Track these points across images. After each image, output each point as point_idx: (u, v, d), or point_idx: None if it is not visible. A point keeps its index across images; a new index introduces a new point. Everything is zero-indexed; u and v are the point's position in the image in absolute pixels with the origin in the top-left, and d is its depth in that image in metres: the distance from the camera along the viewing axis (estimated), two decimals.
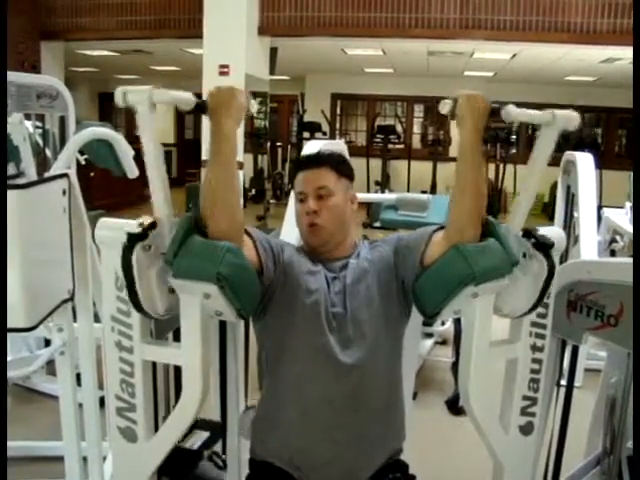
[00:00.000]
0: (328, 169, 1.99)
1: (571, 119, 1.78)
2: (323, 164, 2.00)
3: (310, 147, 2.95)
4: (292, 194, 2.13)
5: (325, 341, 1.85)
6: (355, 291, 1.91)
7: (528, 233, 1.83)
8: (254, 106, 1.92)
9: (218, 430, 2.16)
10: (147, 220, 1.67)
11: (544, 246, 1.79)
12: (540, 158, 1.80)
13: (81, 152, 3.29)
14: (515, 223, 1.85)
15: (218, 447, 2.20)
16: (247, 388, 2.27)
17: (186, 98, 1.73)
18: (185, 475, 2.04)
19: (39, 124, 4.11)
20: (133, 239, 1.63)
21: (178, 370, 1.82)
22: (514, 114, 1.76)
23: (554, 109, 1.76)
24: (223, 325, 2.09)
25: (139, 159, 3.01)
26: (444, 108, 1.79)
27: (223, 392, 2.17)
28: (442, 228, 1.85)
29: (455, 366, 3.97)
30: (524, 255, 1.83)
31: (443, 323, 4.69)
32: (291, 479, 1.88)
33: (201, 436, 2.14)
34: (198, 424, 2.16)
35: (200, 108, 1.75)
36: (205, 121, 3.72)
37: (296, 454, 1.88)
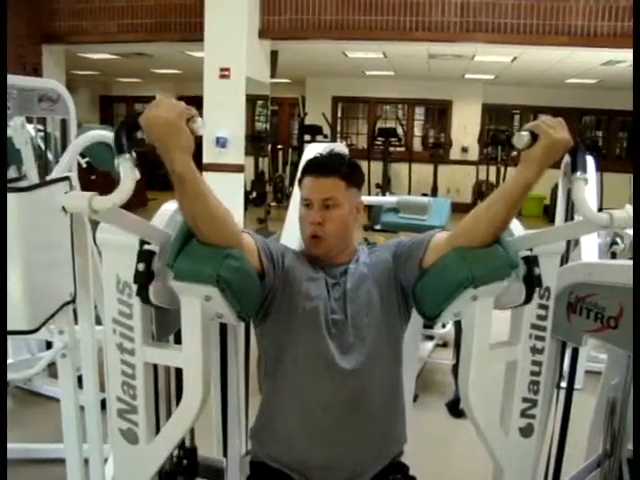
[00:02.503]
0: (338, 179, 1.95)
1: (627, 220, 1.58)
2: (333, 173, 1.95)
3: (311, 151, 2.94)
4: (295, 193, 2.12)
5: (325, 347, 1.85)
6: (355, 297, 1.91)
7: (527, 261, 1.81)
8: (202, 126, 1.55)
9: (220, 476, 2.16)
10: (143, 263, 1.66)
11: (531, 283, 1.81)
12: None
13: (82, 155, 3.30)
14: (522, 244, 1.84)
15: None
16: (247, 428, 2.26)
17: (128, 188, 1.47)
18: None
19: (41, 127, 4.12)
20: (143, 282, 1.65)
21: (179, 372, 1.83)
22: (575, 193, 1.60)
23: (611, 211, 1.55)
24: (224, 328, 2.10)
25: (140, 162, 3.03)
26: (519, 142, 1.58)
27: (225, 431, 2.18)
28: (441, 232, 1.86)
29: (456, 368, 3.98)
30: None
31: (444, 325, 4.69)
32: None
33: None
34: (201, 471, 2.18)
35: (132, 138, 1.49)
36: (206, 121, 3.73)
37: (296, 458, 1.88)
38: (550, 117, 1.58)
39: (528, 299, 1.83)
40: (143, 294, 1.65)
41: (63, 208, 1.51)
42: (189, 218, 1.64)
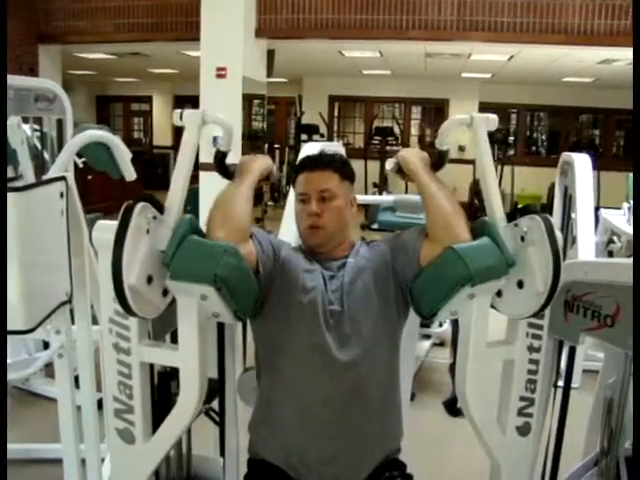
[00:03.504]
0: (331, 172, 2.00)
1: (489, 120, 1.90)
2: (327, 166, 2.01)
3: (308, 149, 2.95)
4: (291, 193, 2.13)
5: (322, 339, 1.85)
6: (353, 289, 1.92)
7: (510, 215, 1.87)
8: (276, 170, 2.10)
9: (216, 387, 2.15)
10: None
11: (529, 209, 1.83)
12: (481, 155, 1.90)
13: (79, 155, 3.29)
14: (497, 217, 1.87)
15: None
16: (245, 350, 2.26)
17: (229, 128, 1.94)
18: None
19: (37, 127, 4.12)
20: (138, 199, 1.65)
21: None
22: (442, 136, 1.99)
23: (473, 113, 1.93)
24: (221, 325, 2.10)
25: (136, 162, 3.03)
26: (389, 166, 2.08)
27: (221, 352, 2.15)
28: None
29: (453, 367, 3.98)
30: (522, 239, 1.83)
31: (441, 324, 4.70)
32: (289, 478, 1.88)
33: None
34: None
35: (220, 158, 1.99)
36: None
37: (293, 453, 1.89)
38: (406, 150, 2.07)
39: (548, 226, 1.77)
40: (127, 216, 1.60)
41: (180, 116, 1.84)
42: (225, 203, 1.81)
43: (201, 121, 1.82)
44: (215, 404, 2.16)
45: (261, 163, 1.96)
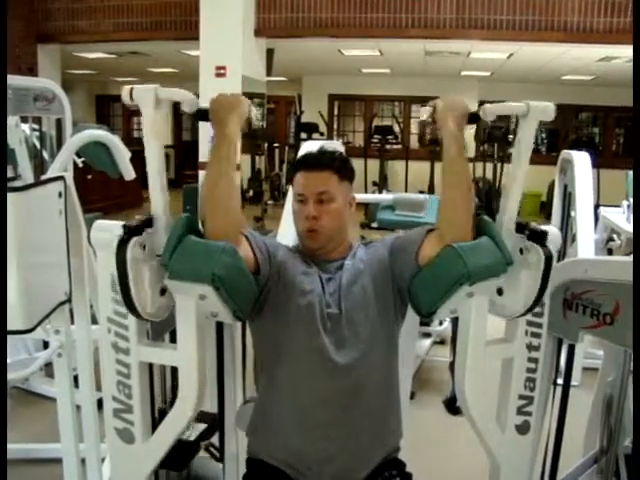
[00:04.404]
0: (330, 172, 1.96)
1: (546, 110, 1.83)
2: (326, 166, 1.96)
3: (307, 147, 2.95)
4: (290, 191, 2.12)
5: (320, 342, 1.85)
6: (350, 292, 1.91)
7: (521, 227, 1.85)
8: (255, 112, 1.92)
9: (215, 422, 2.16)
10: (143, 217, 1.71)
11: (538, 236, 1.80)
12: (523, 149, 1.86)
13: (78, 154, 3.30)
14: (507, 218, 1.87)
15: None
16: (245, 381, 2.27)
17: (190, 98, 1.78)
18: (182, 466, 2.07)
19: (36, 127, 4.11)
20: (128, 233, 1.64)
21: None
22: (491, 111, 1.85)
23: (529, 101, 1.82)
24: (220, 325, 2.10)
25: (135, 161, 3.03)
26: (424, 114, 1.91)
27: (220, 385, 2.16)
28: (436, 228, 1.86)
29: (453, 366, 3.98)
30: (521, 251, 1.83)
31: (441, 323, 4.70)
32: (288, 478, 1.88)
33: (198, 428, 2.15)
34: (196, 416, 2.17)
35: (202, 115, 1.81)
36: (202, 123, 3.72)
37: (292, 454, 1.88)
38: (447, 100, 1.88)
39: (548, 261, 1.78)
40: (122, 252, 1.61)
41: (129, 94, 1.71)
42: (211, 191, 1.72)
43: (154, 98, 1.71)
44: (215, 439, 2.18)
45: (235, 116, 1.80)
